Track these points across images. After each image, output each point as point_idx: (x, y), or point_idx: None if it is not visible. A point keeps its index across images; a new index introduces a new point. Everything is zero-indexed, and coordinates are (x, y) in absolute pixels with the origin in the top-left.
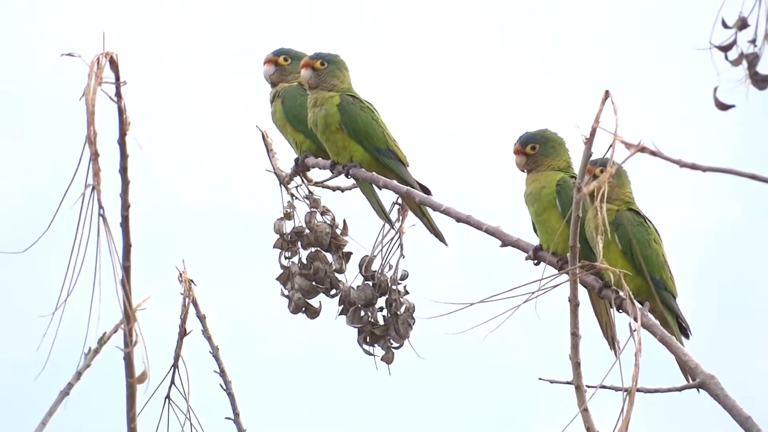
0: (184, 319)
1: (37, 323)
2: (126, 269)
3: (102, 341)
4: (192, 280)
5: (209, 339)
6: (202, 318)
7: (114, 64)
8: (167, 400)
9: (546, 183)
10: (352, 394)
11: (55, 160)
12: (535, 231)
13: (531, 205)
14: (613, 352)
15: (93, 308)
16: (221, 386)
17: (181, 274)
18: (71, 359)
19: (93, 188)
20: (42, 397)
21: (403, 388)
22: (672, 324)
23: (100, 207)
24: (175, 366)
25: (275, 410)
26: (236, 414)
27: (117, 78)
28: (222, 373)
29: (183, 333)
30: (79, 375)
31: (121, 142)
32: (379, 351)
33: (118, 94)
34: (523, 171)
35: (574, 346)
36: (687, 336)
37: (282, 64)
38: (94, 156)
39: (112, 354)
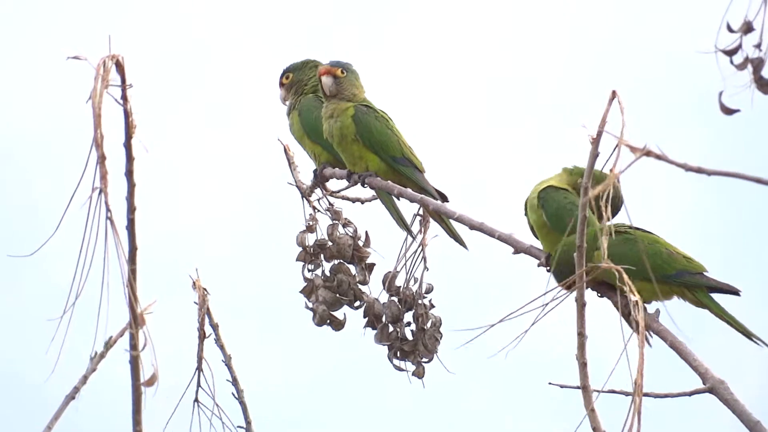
0: (202, 323)
1: (43, 327)
2: (132, 272)
3: (108, 345)
4: (206, 289)
5: (222, 348)
6: (215, 327)
7: (120, 67)
8: (195, 402)
9: (535, 194)
10: (365, 402)
11: (62, 164)
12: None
13: (531, 213)
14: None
15: (100, 312)
16: (233, 395)
17: (194, 283)
18: (78, 363)
19: (100, 191)
20: (48, 400)
21: (414, 396)
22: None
23: (108, 210)
24: (199, 369)
25: (287, 419)
26: (248, 423)
27: (123, 81)
28: (234, 381)
29: (203, 336)
30: (85, 379)
31: (127, 145)
32: (410, 366)
33: (124, 97)
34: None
35: (581, 347)
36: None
37: (285, 84)
38: (101, 159)
39: (120, 358)
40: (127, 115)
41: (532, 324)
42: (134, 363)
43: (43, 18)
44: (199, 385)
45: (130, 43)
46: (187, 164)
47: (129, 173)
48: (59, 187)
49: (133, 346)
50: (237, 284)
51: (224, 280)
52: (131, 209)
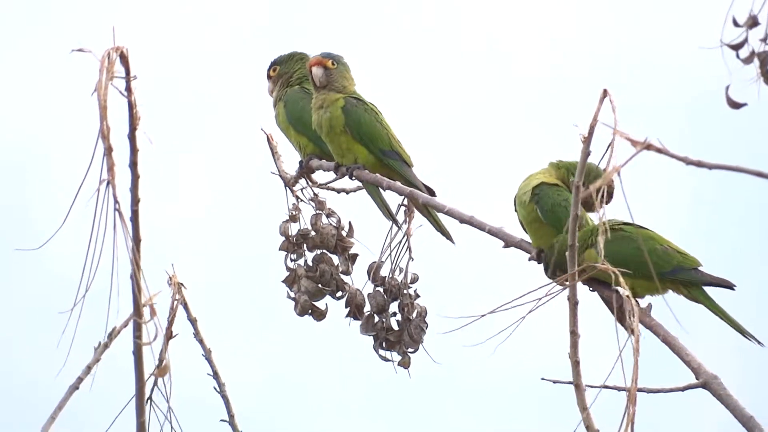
0: (171, 322)
1: (42, 318)
2: (137, 263)
3: (112, 336)
4: (182, 284)
5: (201, 342)
6: (193, 321)
7: (124, 59)
8: (149, 401)
9: (527, 189)
10: (349, 394)
11: (68, 156)
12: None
13: (520, 207)
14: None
15: (105, 303)
16: (215, 389)
17: (170, 278)
18: (81, 353)
19: (108, 183)
20: (51, 391)
21: (402, 389)
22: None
23: (116, 202)
24: (158, 368)
25: (271, 411)
26: (231, 416)
27: (127, 73)
28: (215, 375)
29: (169, 336)
30: (89, 369)
31: (131, 137)
32: (396, 356)
33: (128, 89)
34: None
35: (574, 345)
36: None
37: (273, 76)
38: (108, 151)
39: (124, 348)
40: (131, 106)
41: (526, 315)
42: (138, 352)
43: (50, 12)
44: (155, 384)
45: (130, 34)
46: (167, 154)
47: (133, 164)
48: (58, 182)
49: (138, 335)
50: (219, 275)
51: (207, 271)
52: (135, 201)
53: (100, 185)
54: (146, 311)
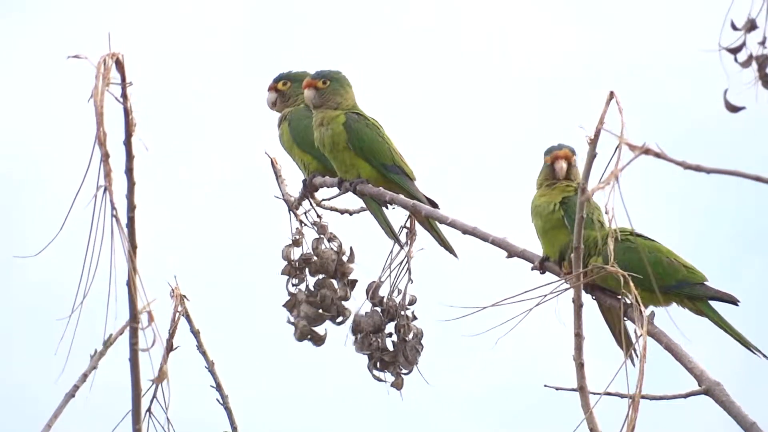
0: (172, 334)
1: (42, 326)
2: (133, 270)
3: (108, 343)
4: (184, 296)
5: (204, 354)
6: (196, 333)
7: (120, 66)
8: (148, 413)
9: (553, 200)
10: (351, 407)
11: (65, 163)
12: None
13: (537, 218)
14: (630, 361)
15: (103, 310)
16: (218, 401)
17: (173, 290)
18: (78, 361)
19: (105, 189)
20: (48, 399)
21: (404, 394)
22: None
23: (113, 208)
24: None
25: (273, 424)
26: (234, 428)
27: (123, 79)
28: (218, 387)
29: (170, 348)
30: (85, 377)
31: (127, 143)
32: (389, 377)
33: (124, 95)
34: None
35: (578, 348)
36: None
37: (282, 90)
38: (105, 157)
39: (124, 356)
40: (126, 113)
41: (533, 307)
42: (134, 358)
43: (45, 18)
44: (155, 396)
45: (127, 41)
46: (173, 175)
47: (129, 171)
48: (54, 188)
49: (134, 342)
50: (223, 295)
51: (212, 291)
52: (131, 207)
53: (97, 192)
54: (144, 318)
